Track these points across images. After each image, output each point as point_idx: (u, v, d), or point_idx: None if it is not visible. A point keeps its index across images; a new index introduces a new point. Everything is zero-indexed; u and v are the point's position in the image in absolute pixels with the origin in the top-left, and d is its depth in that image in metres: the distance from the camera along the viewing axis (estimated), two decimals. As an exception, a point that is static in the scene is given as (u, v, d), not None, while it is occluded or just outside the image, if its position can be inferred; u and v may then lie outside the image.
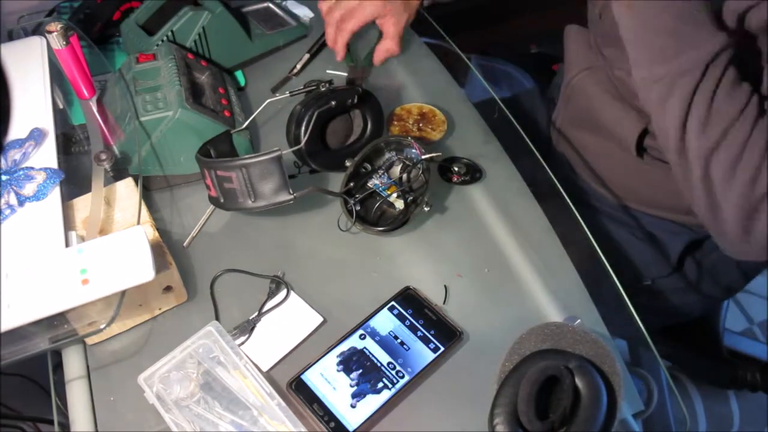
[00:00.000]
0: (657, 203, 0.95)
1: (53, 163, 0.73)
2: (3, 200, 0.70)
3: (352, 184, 0.79)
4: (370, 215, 0.79)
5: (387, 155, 0.82)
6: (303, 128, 0.78)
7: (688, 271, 0.97)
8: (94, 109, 0.84)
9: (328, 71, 1.00)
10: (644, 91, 0.70)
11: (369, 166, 0.81)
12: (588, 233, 0.80)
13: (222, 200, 0.74)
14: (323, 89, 0.82)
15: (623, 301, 0.69)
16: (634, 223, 0.96)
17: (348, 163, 0.79)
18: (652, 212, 0.96)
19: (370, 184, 0.80)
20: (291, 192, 0.71)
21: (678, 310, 1.02)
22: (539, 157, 0.93)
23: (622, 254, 0.95)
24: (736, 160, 0.67)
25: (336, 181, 0.83)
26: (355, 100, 0.81)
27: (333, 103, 0.79)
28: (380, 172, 0.81)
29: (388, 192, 0.79)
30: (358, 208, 0.77)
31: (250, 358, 0.66)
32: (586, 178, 1.00)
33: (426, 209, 0.77)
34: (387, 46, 0.96)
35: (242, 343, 0.69)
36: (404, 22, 0.95)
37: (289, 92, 0.86)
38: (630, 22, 0.69)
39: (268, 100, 0.83)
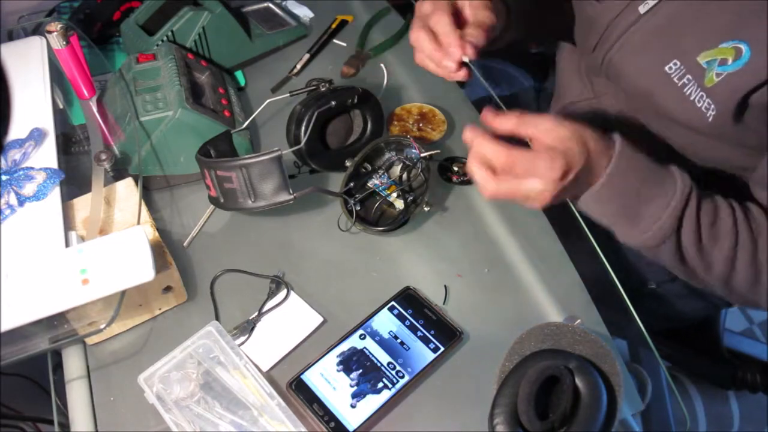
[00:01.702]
0: None
1: (53, 163, 0.73)
2: (3, 200, 0.70)
3: (352, 184, 0.78)
4: (370, 215, 0.79)
5: (387, 155, 0.82)
6: (303, 128, 0.78)
7: None
8: (94, 109, 0.84)
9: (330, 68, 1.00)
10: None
11: (369, 166, 0.81)
12: (588, 234, 0.80)
13: (222, 200, 0.74)
14: (323, 89, 0.82)
15: (624, 303, 0.69)
16: None
17: (348, 163, 0.79)
18: None
19: (370, 184, 0.80)
20: (291, 192, 0.71)
21: (682, 315, 1.01)
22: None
23: (626, 257, 0.95)
24: (754, 281, 0.68)
25: (336, 181, 0.83)
26: (356, 101, 0.81)
27: (333, 103, 0.79)
28: (380, 172, 0.81)
29: (388, 192, 0.79)
30: (358, 208, 0.76)
31: (250, 358, 0.66)
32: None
33: (426, 209, 0.77)
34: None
35: (242, 343, 0.69)
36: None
37: (290, 92, 0.86)
38: (599, 210, 0.69)
39: (268, 100, 0.83)
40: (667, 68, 0.69)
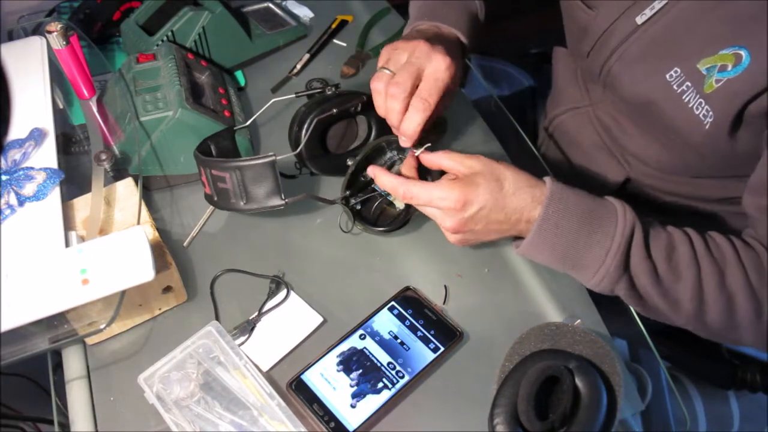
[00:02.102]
0: None
1: (53, 163, 0.73)
2: (3, 200, 0.70)
3: (348, 193, 0.77)
4: (370, 215, 0.79)
5: (389, 154, 0.81)
6: (302, 133, 0.78)
7: None
8: (94, 109, 0.84)
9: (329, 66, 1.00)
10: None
11: (366, 177, 0.80)
12: None
13: (215, 198, 0.74)
14: (329, 92, 0.81)
15: (624, 303, 0.69)
16: None
17: (349, 162, 0.78)
18: None
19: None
20: (283, 197, 0.71)
21: None
22: (538, 155, 0.93)
23: None
24: (729, 315, 0.64)
25: (337, 183, 0.83)
26: (359, 108, 0.80)
27: (334, 111, 0.77)
28: None
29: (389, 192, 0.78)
30: (359, 207, 0.76)
31: (250, 358, 0.66)
32: None
33: None
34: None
35: (242, 343, 0.69)
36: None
37: (295, 93, 0.85)
38: (540, 258, 0.67)
39: (273, 100, 0.83)
40: (668, 76, 0.69)
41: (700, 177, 0.81)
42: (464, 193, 0.63)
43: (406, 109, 0.70)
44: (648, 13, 0.71)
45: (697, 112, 0.67)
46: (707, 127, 0.67)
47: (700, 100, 0.67)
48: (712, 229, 0.67)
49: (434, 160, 0.69)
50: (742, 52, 0.63)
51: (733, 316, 0.64)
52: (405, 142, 0.72)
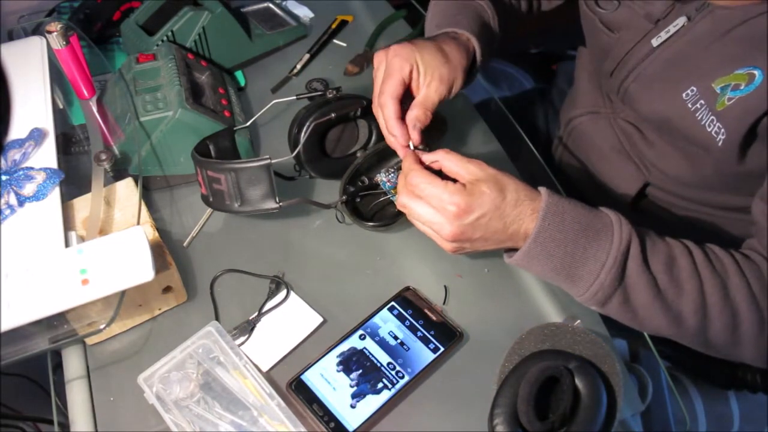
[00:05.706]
0: None
1: (53, 163, 0.73)
2: (3, 200, 0.70)
3: (345, 197, 0.77)
4: (368, 212, 0.79)
5: (396, 158, 0.80)
6: (300, 137, 0.78)
7: None
8: (94, 109, 0.84)
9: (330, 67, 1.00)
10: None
11: (366, 180, 0.80)
12: None
13: (211, 199, 0.74)
14: (330, 95, 0.80)
15: None
16: None
17: (359, 155, 0.78)
18: None
19: (377, 179, 0.78)
20: (277, 201, 0.71)
21: None
22: (539, 157, 0.93)
23: None
24: (733, 329, 0.62)
25: (336, 186, 0.83)
26: (359, 113, 0.79)
27: (333, 115, 0.77)
28: (391, 170, 0.79)
29: (393, 192, 0.78)
30: (358, 199, 0.76)
31: (250, 358, 0.66)
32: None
33: None
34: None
35: (242, 343, 0.69)
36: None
37: (296, 95, 0.85)
38: (534, 269, 0.64)
39: (273, 101, 0.83)
40: (684, 95, 0.70)
41: (716, 190, 0.81)
42: (467, 201, 0.61)
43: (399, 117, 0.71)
44: (663, 35, 0.72)
45: (709, 130, 0.68)
46: (720, 144, 0.68)
47: (712, 117, 0.67)
48: (730, 235, 0.67)
49: (433, 159, 0.67)
50: (756, 72, 0.64)
51: (737, 331, 0.62)
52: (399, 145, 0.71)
